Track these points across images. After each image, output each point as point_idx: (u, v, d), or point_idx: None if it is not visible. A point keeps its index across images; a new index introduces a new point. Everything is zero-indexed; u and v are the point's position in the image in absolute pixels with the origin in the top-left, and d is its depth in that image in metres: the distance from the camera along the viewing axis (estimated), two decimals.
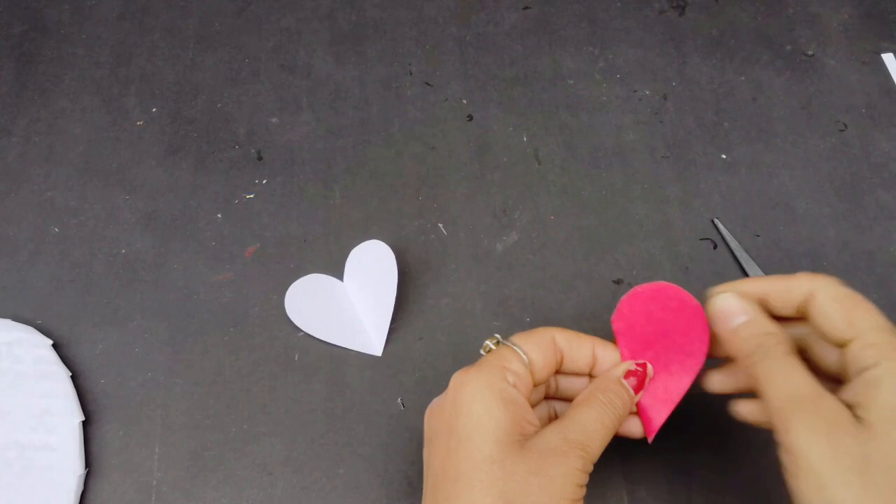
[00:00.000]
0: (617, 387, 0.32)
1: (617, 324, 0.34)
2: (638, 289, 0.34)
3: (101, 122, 0.50)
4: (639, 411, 0.34)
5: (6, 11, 0.55)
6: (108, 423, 0.40)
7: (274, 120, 0.50)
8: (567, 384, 0.35)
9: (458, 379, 0.31)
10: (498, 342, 0.33)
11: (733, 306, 0.32)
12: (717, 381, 0.34)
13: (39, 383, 0.39)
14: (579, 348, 0.33)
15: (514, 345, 0.32)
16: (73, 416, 0.39)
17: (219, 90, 0.52)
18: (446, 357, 0.42)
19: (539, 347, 0.32)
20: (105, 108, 0.51)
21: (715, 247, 0.45)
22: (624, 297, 0.34)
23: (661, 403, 0.33)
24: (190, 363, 0.42)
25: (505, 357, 0.31)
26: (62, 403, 0.39)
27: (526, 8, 0.56)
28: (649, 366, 0.33)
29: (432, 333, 0.43)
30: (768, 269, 0.45)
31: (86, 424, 0.39)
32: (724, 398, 0.34)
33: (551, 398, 0.35)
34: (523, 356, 0.32)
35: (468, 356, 0.42)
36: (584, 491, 0.29)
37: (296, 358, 0.42)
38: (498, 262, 0.45)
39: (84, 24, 0.55)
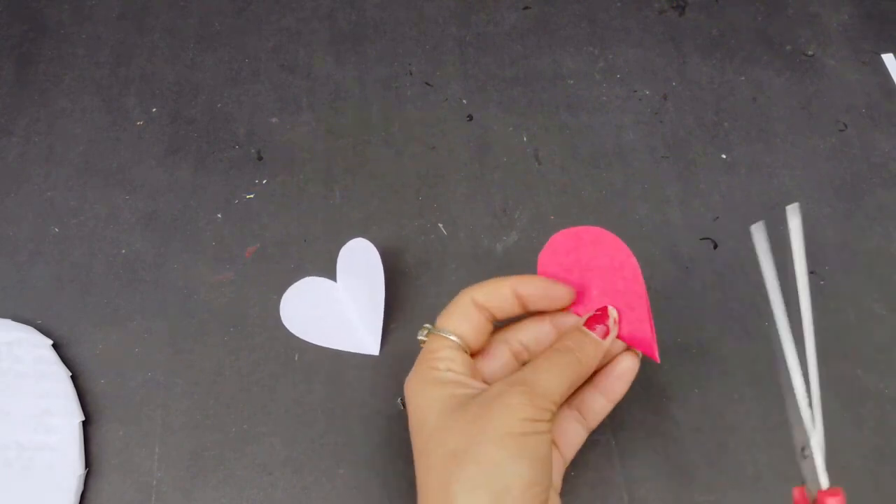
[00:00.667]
0: (577, 334, 0.33)
1: (544, 269, 0.35)
2: (558, 234, 0.35)
3: (101, 122, 0.50)
4: (630, 344, 0.34)
5: (6, 11, 0.55)
6: (108, 423, 0.40)
7: (274, 120, 0.50)
8: (537, 344, 0.35)
9: (405, 387, 0.33)
10: (429, 332, 0.33)
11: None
12: None
13: (39, 383, 0.39)
14: (499, 295, 0.34)
15: (439, 330, 0.33)
16: (73, 416, 0.39)
17: (219, 90, 0.52)
18: None
19: (463, 318, 0.33)
20: (105, 108, 0.51)
21: (715, 246, 0.45)
22: (546, 245, 0.35)
23: (638, 323, 0.34)
24: (190, 363, 0.42)
25: (432, 348, 0.33)
26: (62, 403, 0.39)
27: (526, 8, 0.56)
28: (611, 308, 0.34)
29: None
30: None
31: (86, 424, 0.39)
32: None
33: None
34: (451, 338, 0.33)
35: None
36: (538, 425, 0.29)
37: (296, 358, 0.42)
38: (498, 262, 0.45)
39: (84, 24, 0.55)
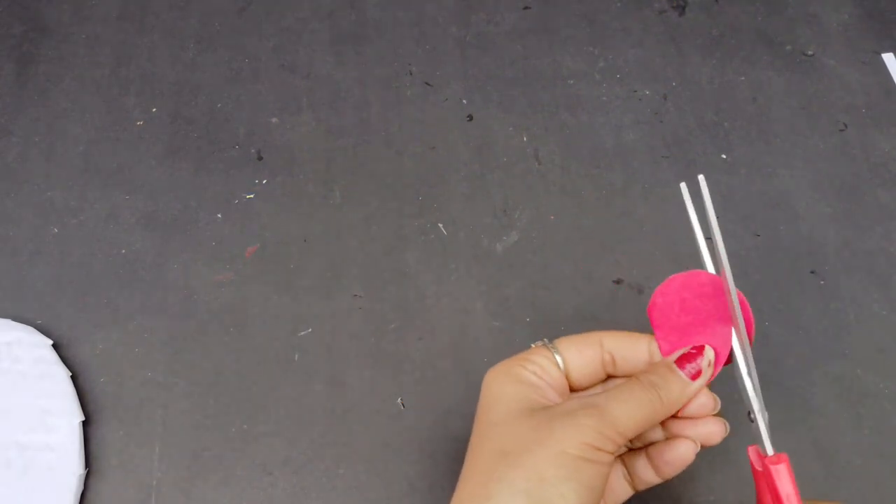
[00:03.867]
0: (663, 369, 0.31)
1: (652, 314, 0.33)
2: (668, 281, 0.33)
3: (101, 122, 0.50)
4: None
5: (6, 11, 0.55)
6: (108, 423, 0.40)
7: (274, 120, 0.50)
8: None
9: (486, 374, 0.32)
10: (543, 344, 0.33)
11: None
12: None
13: (39, 383, 0.39)
14: (633, 347, 0.32)
15: (552, 346, 0.32)
16: (73, 416, 0.39)
17: (219, 90, 0.52)
18: (446, 357, 0.42)
19: (578, 349, 0.32)
20: (105, 108, 0.51)
21: None
22: (657, 289, 0.33)
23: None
24: (190, 363, 0.42)
25: (532, 352, 0.32)
26: (62, 403, 0.39)
27: (526, 8, 0.56)
28: (708, 349, 0.31)
29: (432, 333, 0.43)
30: (769, 268, 0.45)
31: (86, 424, 0.39)
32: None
33: None
34: (556, 356, 0.32)
35: (468, 356, 0.42)
36: (599, 454, 0.28)
37: (296, 358, 0.42)
38: (498, 262, 0.45)
39: (84, 24, 0.55)
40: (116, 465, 0.39)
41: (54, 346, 0.41)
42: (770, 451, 0.30)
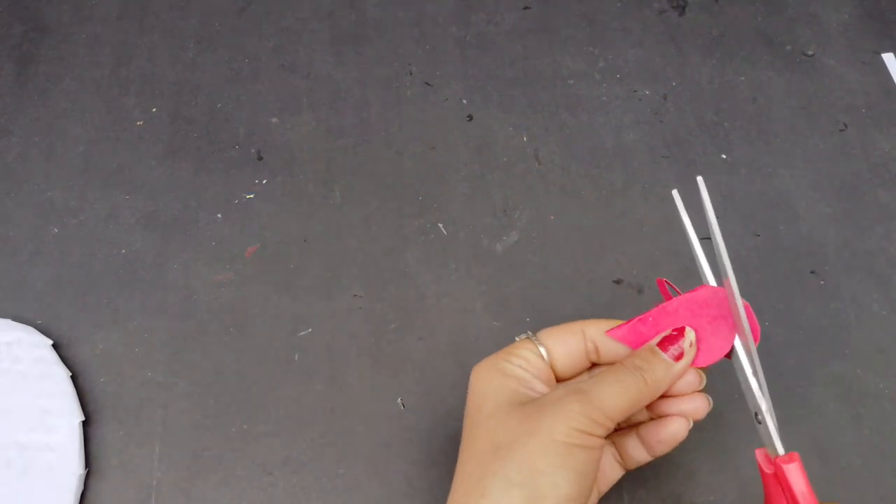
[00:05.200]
0: (646, 353, 0.31)
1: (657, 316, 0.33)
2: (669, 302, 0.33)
3: (101, 122, 0.50)
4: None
5: (6, 11, 0.55)
6: (108, 423, 0.40)
7: (274, 120, 0.50)
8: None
9: (473, 370, 0.33)
10: (526, 336, 0.33)
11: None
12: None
13: (39, 383, 0.39)
14: (612, 341, 0.33)
15: (535, 338, 0.33)
16: (73, 416, 0.39)
17: (219, 90, 0.52)
18: (446, 357, 0.42)
19: (562, 339, 0.32)
20: (105, 108, 0.51)
21: None
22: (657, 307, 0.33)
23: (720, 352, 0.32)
24: (190, 363, 0.42)
25: (516, 346, 0.32)
26: (62, 403, 0.39)
27: (526, 8, 0.56)
28: (689, 330, 0.31)
29: (432, 333, 0.43)
30: (769, 268, 0.45)
31: (86, 424, 0.39)
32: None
33: None
34: (540, 348, 0.32)
35: (468, 356, 0.42)
36: (588, 439, 0.28)
37: (296, 358, 0.42)
38: (498, 262, 0.45)
39: (84, 24, 0.55)
40: (116, 465, 0.39)
41: (54, 346, 0.41)
42: (781, 450, 0.30)
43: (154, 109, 0.51)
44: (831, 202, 0.47)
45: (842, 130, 0.50)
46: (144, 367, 0.41)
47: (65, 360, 0.41)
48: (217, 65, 0.53)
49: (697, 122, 0.50)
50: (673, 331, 0.32)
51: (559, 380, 0.33)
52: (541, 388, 0.31)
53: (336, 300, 0.44)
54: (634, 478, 0.38)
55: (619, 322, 0.33)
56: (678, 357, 0.31)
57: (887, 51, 0.54)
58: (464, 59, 0.53)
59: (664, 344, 0.31)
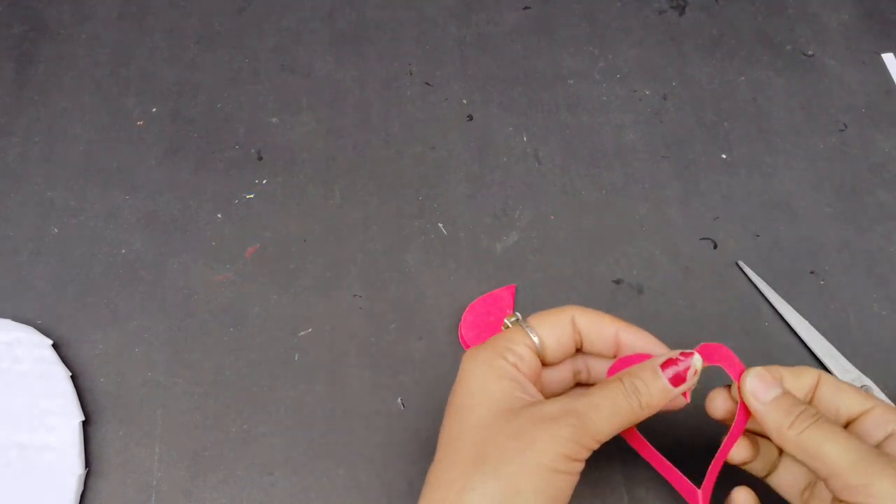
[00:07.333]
0: (646, 373, 0.30)
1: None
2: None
3: (101, 122, 0.50)
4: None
5: (6, 11, 0.55)
6: (108, 423, 0.40)
7: (274, 120, 0.50)
8: (600, 370, 0.34)
9: (464, 357, 0.32)
10: (517, 320, 0.33)
11: (768, 380, 0.31)
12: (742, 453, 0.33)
13: (39, 383, 0.39)
14: (600, 331, 0.33)
15: (527, 325, 0.32)
16: (73, 416, 0.39)
17: (219, 90, 0.52)
18: (446, 357, 0.42)
19: (553, 328, 0.32)
20: (105, 108, 0.51)
21: (715, 246, 0.45)
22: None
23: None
24: (190, 363, 0.42)
25: (511, 338, 0.32)
26: (62, 403, 0.39)
27: (526, 8, 0.56)
28: (696, 356, 0.31)
29: (432, 333, 0.43)
30: (768, 268, 0.45)
31: (86, 424, 0.39)
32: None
33: (584, 385, 0.35)
34: (533, 338, 0.32)
35: None
36: (574, 465, 0.28)
37: (296, 358, 0.42)
38: (498, 262, 0.45)
39: (84, 24, 0.55)
40: (116, 465, 0.39)
41: (54, 346, 0.41)
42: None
43: (154, 109, 0.51)
44: (831, 202, 0.47)
45: (842, 130, 0.50)
46: (144, 367, 0.41)
47: (65, 360, 0.41)
48: (217, 65, 0.53)
49: (697, 122, 0.50)
50: (681, 354, 0.31)
51: (545, 364, 0.33)
52: (533, 392, 0.31)
53: (336, 300, 0.44)
54: (634, 478, 0.38)
55: (612, 317, 0.33)
56: (677, 381, 0.31)
57: (887, 51, 0.54)
58: (464, 59, 0.53)
59: (667, 365, 0.31)
